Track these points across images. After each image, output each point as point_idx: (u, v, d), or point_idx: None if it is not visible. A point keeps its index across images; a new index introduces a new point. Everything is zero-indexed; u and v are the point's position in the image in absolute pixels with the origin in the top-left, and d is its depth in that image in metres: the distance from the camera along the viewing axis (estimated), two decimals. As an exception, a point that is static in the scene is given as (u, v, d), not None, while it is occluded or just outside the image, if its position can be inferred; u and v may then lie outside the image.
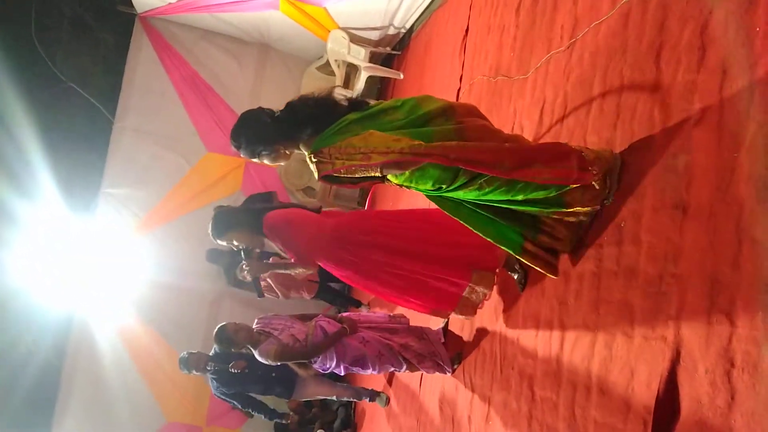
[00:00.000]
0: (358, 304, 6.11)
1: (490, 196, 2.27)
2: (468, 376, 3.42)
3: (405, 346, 3.56)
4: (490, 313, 3.29)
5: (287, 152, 2.37)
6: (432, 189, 2.28)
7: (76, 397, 6.70)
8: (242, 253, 3.05)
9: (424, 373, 3.79)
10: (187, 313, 6.92)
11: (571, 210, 2.34)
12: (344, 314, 3.87)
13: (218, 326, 3.67)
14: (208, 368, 4.40)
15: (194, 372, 4.46)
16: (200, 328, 6.87)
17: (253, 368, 4.45)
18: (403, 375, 4.62)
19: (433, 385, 3.94)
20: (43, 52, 6.78)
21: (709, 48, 2.01)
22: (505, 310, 3.12)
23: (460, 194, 2.30)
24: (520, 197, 2.25)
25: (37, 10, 6.68)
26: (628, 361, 2.10)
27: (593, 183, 2.25)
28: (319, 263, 3.09)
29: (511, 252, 2.52)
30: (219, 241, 3.00)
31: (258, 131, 2.33)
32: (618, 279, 2.25)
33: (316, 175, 2.24)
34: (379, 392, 5.01)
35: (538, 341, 2.74)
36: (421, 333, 3.68)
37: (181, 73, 7.04)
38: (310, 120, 2.25)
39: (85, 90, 6.99)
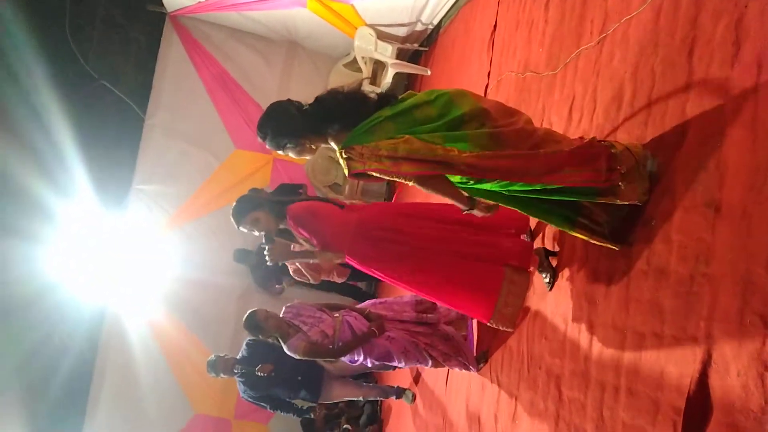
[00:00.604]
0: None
1: (516, 187, 2.25)
2: (495, 374, 3.40)
3: (431, 345, 3.57)
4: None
5: (313, 146, 2.36)
6: (460, 182, 2.28)
7: (108, 389, 6.85)
8: (263, 238, 3.02)
9: (450, 369, 3.78)
10: (215, 308, 7.02)
11: (607, 201, 2.29)
12: (371, 307, 3.83)
13: (249, 311, 3.70)
14: (235, 371, 4.45)
15: (222, 375, 4.52)
16: (229, 322, 6.97)
17: (279, 371, 4.49)
18: (429, 373, 4.62)
19: (460, 383, 3.93)
20: (76, 51, 6.93)
21: (744, 43, 1.96)
22: (533, 309, 3.09)
23: (487, 186, 2.29)
24: (550, 187, 2.22)
25: (71, 10, 6.82)
26: (657, 361, 2.07)
27: (619, 184, 2.20)
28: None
29: (565, 229, 2.42)
30: (241, 225, 3.00)
31: (285, 123, 2.32)
32: (648, 278, 2.22)
33: (346, 171, 2.23)
34: (405, 389, 5.01)
35: (566, 340, 2.71)
36: (446, 334, 3.67)
37: (210, 71, 7.12)
38: (339, 114, 2.24)
39: (116, 88, 7.13)
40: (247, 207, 2.99)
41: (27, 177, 6.07)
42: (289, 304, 3.77)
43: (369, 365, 3.72)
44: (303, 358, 3.50)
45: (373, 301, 3.97)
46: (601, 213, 2.39)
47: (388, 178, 2.21)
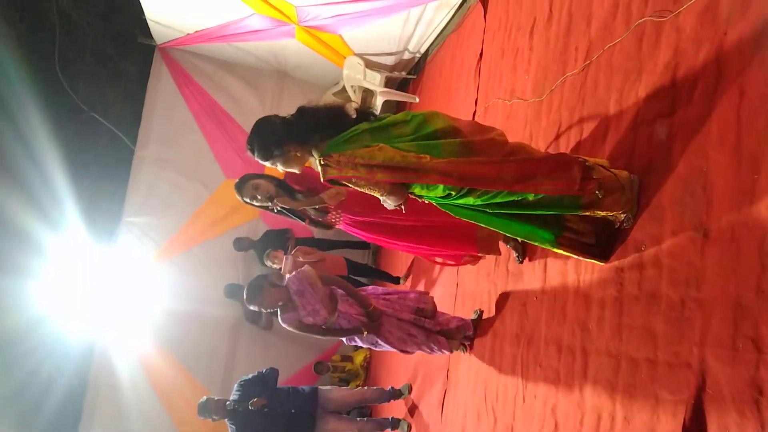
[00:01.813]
0: (396, 281, 6.03)
1: (498, 199, 2.26)
2: (490, 404, 3.36)
3: (418, 346, 3.78)
4: (511, 338, 3.24)
5: (298, 155, 2.38)
6: (442, 196, 2.30)
7: (98, 424, 6.69)
8: (267, 198, 3.37)
9: (445, 400, 3.79)
10: (206, 341, 6.93)
11: (591, 213, 2.30)
12: (374, 299, 3.79)
13: (257, 276, 3.73)
14: (228, 406, 4.35)
15: (214, 417, 4.42)
16: (220, 355, 6.89)
17: (273, 406, 4.41)
18: (425, 404, 4.56)
19: (455, 414, 3.88)
20: (66, 83, 6.93)
21: (725, 69, 1.99)
22: (526, 336, 3.07)
23: (470, 200, 2.29)
24: (530, 197, 2.23)
25: (60, 42, 6.85)
26: (652, 388, 2.05)
27: (596, 193, 2.23)
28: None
29: (547, 247, 2.45)
30: (244, 195, 3.42)
31: (269, 132, 2.37)
32: (640, 304, 2.21)
33: (322, 178, 2.29)
34: (400, 420, 4.95)
35: (560, 368, 2.69)
36: (438, 342, 3.75)
37: (200, 102, 7.14)
38: (319, 125, 2.30)
39: (106, 120, 7.11)
40: (247, 177, 3.45)
41: (16, 209, 6.01)
42: (295, 273, 3.63)
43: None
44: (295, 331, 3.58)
45: (379, 291, 3.95)
46: (586, 225, 2.42)
47: (361, 187, 2.27)
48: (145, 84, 7.12)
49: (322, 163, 2.26)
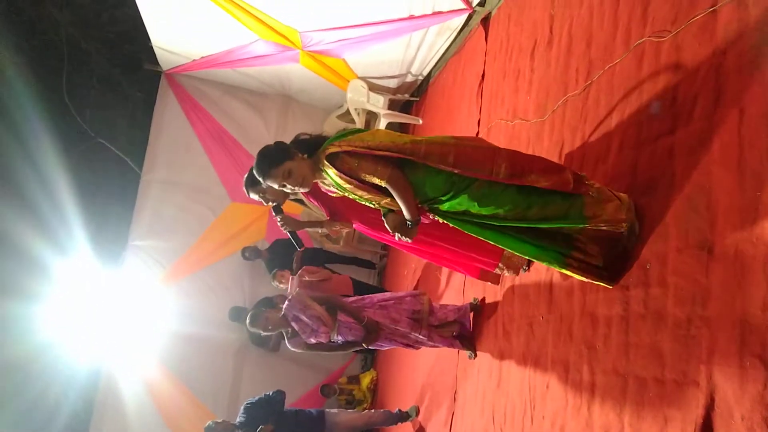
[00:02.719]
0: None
1: (502, 210, 2.30)
2: (498, 425, 3.33)
3: (412, 346, 3.87)
4: (518, 359, 3.23)
5: (305, 160, 2.44)
6: (444, 194, 2.34)
7: (104, 450, 6.66)
8: (273, 209, 3.19)
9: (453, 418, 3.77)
10: (212, 364, 6.90)
11: (598, 224, 2.30)
12: (371, 310, 3.83)
13: (253, 310, 3.87)
14: (234, 429, 4.33)
15: None
16: (226, 378, 6.85)
17: (279, 430, 4.39)
18: (432, 426, 4.53)
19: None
20: (73, 109, 7.03)
21: (725, 87, 2.01)
22: (533, 356, 3.06)
23: (474, 205, 2.32)
24: (534, 209, 2.29)
25: (68, 69, 6.96)
26: (661, 408, 2.04)
27: (590, 193, 2.29)
28: (355, 225, 3.30)
29: (555, 266, 2.46)
30: (251, 193, 3.10)
31: (266, 154, 2.47)
32: (646, 322, 2.21)
33: (323, 159, 2.37)
34: (406, 411, 4.91)
35: (568, 387, 2.68)
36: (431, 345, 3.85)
37: (206, 127, 7.22)
38: (306, 144, 2.45)
39: (113, 145, 7.20)
40: (255, 174, 3.21)
41: (24, 234, 6.06)
42: (289, 301, 3.73)
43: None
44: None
45: (376, 299, 3.96)
46: (595, 247, 2.40)
47: (365, 177, 2.33)
48: (152, 109, 7.21)
49: (322, 149, 2.38)
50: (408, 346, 3.86)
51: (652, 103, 2.38)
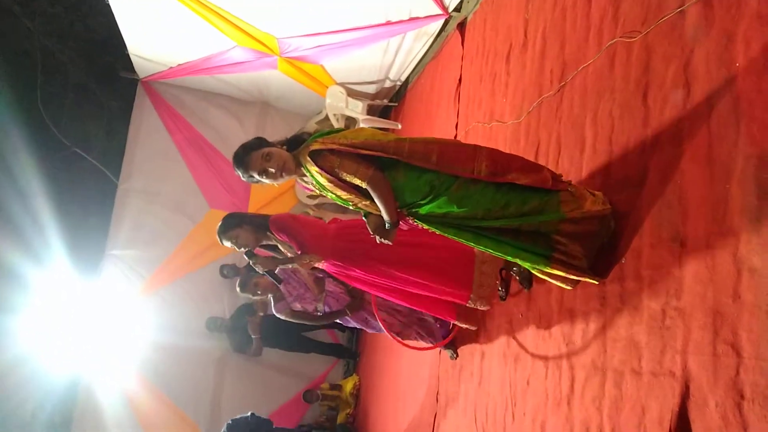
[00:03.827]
0: None
1: (481, 207, 2.32)
2: (480, 424, 3.36)
3: (406, 325, 3.87)
4: (498, 357, 3.26)
5: (283, 151, 2.47)
6: (425, 195, 2.35)
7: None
8: (245, 254, 3.19)
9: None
10: (193, 373, 6.82)
11: (577, 216, 2.30)
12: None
13: (243, 276, 3.94)
14: None
15: None
16: (208, 386, 6.78)
17: None
18: (416, 428, 4.54)
19: (445, 435, 3.87)
20: (48, 119, 6.94)
21: (693, 84, 2.07)
22: (513, 354, 3.09)
23: (453, 208, 2.34)
24: (512, 208, 2.31)
25: (42, 78, 6.88)
26: (638, 398, 2.08)
27: (568, 189, 2.35)
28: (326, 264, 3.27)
29: (539, 267, 2.41)
30: (223, 241, 3.16)
31: (244, 145, 2.52)
32: (623, 316, 2.25)
33: (306, 158, 2.39)
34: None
35: (548, 384, 2.71)
36: (422, 318, 3.88)
37: (184, 134, 7.17)
38: (287, 140, 2.52)
39: (89, 154, 7.11)
40: (227, 226, 3.16)
41: (-1, 245, 5.98)
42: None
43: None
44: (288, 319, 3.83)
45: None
46: (576, 246, 2.36)
47: (343, 172, 2.34)
48: (128, 118, 7.14)
49: (306, 145, 2.41)
50: (390, 329, 3.79)
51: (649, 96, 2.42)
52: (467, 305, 3.28)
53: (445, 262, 3.19)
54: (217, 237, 3.18)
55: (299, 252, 3.16)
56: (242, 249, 3.16)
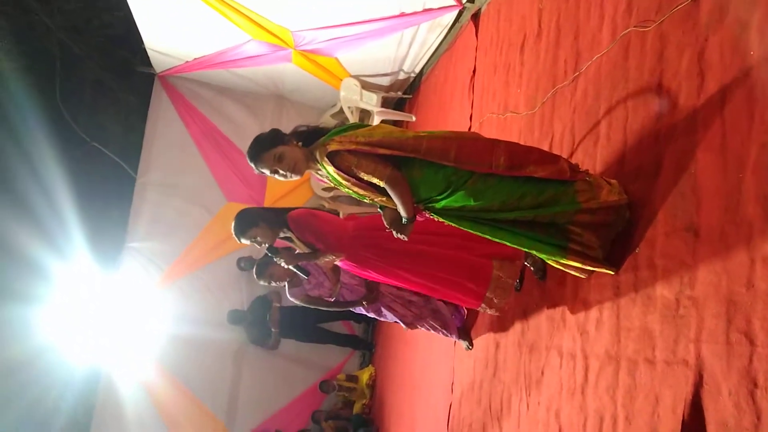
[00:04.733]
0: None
1: (497, 200, 2.32)
2: (495, 414, 3.38)
3: (419, 316, 3.85)
4: (513, 347, 3.27)
5: (299, 148, 2.48)
6: (443, 190, 2.35)
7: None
8: (267, 250, 3.16)
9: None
10: (212, 364, 6.93)
11: (593, 206, 2.31)
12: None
13: (261, 259, 3.84)
14: None
15: None
16: (226, 377, 6.89)
17: None
18: (431, 418, 4.57)
19: (461, 427, 3.89)
20: (67, 115, 7.05)
21: (708, 74, 2.06)
22: (527, 344, 3.11)
23: (469, 201, 2.34)
24: (528, 199, 2.31)
25: (60, 75, 6.97)
26: (652, 387, 2.09)
27: (587, 178, 2.35)
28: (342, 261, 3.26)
29: (555, 257, 2.42)
30: (242, 239, 3.09)
31: (258, 139, 2.53)
32: (636, 305, 2.26)
33: (324, 158, 2.38)
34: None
35: (562, 373, 2.72)
36: (436, 308, 3.88)
37: (200, 127, 7.24)
38: (303, 133, 2.50)
39: (108, 149, 7.21)
40: (244, 225, 3.10)
41: (21, 239, 6.09)
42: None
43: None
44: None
45: None
46: (592, 237, 2.37)
47: (362, 171, 2.34)
48: (146, 112, 7.22)
49: (324, 144, 2.38)
50: (405, 321, 3.83)
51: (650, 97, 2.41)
52: (479, 310, 3.27)
53: (460, 266, 3.13)
54: (234, 237, 3.12)
55: (321, 249, 3.15)
56: (263, 245, 3.14)
